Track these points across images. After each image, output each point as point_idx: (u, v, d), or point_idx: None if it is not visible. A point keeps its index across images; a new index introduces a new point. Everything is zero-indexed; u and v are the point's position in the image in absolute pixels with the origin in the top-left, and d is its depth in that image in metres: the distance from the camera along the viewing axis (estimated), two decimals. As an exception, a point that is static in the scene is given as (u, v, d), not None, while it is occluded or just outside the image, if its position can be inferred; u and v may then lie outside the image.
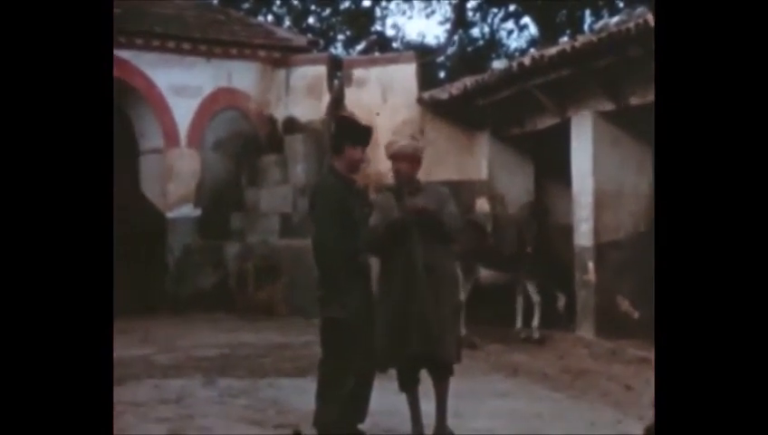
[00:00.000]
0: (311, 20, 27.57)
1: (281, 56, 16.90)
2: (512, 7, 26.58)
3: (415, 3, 27.75)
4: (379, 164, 14.75)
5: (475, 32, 27.46)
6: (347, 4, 27.76)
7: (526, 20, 26.84)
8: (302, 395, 7.88)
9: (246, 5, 25.48)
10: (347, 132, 6.59)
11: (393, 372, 6.92)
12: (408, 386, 6.91)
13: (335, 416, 6.38)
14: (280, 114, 16.68)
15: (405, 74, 15.86)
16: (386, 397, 7.16)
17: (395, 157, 6.88)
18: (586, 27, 23.29)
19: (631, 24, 9.93)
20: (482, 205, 14.78)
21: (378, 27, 27.94)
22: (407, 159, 6.85)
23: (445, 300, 6.83)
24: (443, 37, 27.10)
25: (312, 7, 27.70)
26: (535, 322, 12.41)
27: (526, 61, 12.39)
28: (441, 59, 25.95)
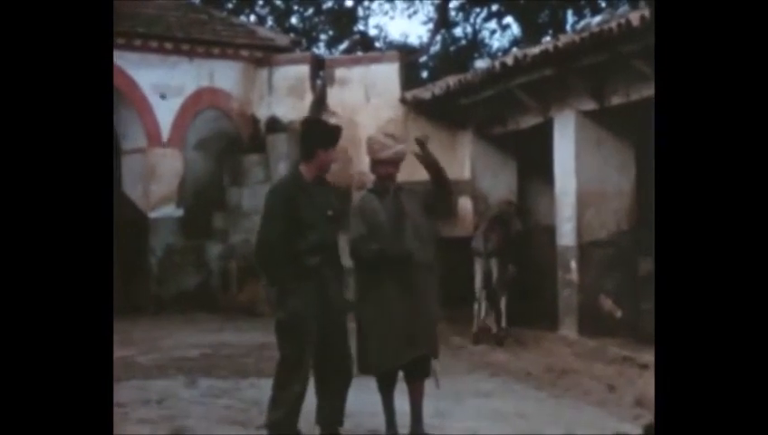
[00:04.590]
0: (293, 20, 27.53)
1: (263, 56, 16.87)
2: (494, 7, 26.59)
3: (397, 3, 27.77)
4: (361, 164, 14.80)
5: (458, 31, 27.49)
6: (329, 4, 27.74)
7: (509, 20, 26.87)
8: (284, 395, 7.85)
9: (229, 5, 25.43)
10: (318, 135, 6.54)
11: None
12: (388, 387, 6.88)
13: (280, 420, 6.33)
14: (262, 114, 16.65)
15: (388, 74, 15.88)
16: (369, 397, 7.14)
17: (379, 161, 6.85)
18: (568, 27, 23.33)
19: (613, 24, 9.94)
20: (464, 204, 14.80)
21: (360, 27, 27.95)
22: (391, 163, 6.83)
23: (434, 297, 6.88)
24: (426, 37, 27.10)
25: (295, 7, 27.66)
26: (504, 322, 12.42)
27: (509, 60, 12.39)
28: (424, 58, 25.95)
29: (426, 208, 6.83)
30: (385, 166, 6.80)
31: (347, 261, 6.80)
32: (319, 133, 6.56)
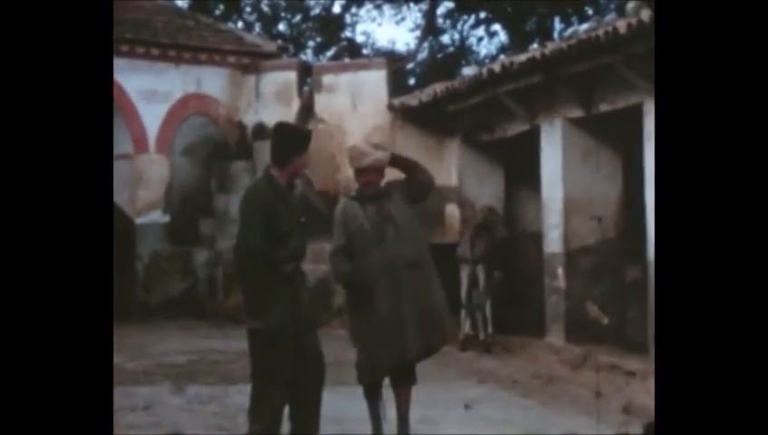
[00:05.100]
0: (281, 26, 27.55)
1: (250, 62, 16.86)
2: (482, 14, 26.65)
3: (385, 9, 27.81)
4: (348, 171, 14.80)
5: (446, 38, 27.56)
6: (317, 11, 27.75)
7: (496, 27, 26.95)
8: (271, 402, 7.83)
9: (217, 12, 25.41)
10: (292, 142, 6.46)
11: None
12: (374, 394, 6.88)
13: (263, 429, 6.27)
14: (249, 120, 16.63)
15: (375, 81, 15.86)
16: (356, 404, 7.14)
17: (361, 169, 6.87)
18: (556, 34, 23.38)
19: (600, 32, 9.96)
20: (452, 211, 14.80)
21: (348, 34, 27.97)
22: (372, 171, 6.84)
23: (430, 293, 6.84)
24: (413, 44, 27.17)
25: (282, 14, 27.66)
26: (490, 328, 12.47)
27: (496, 67, 12.41)
28: (411, 65, 26.00)
29: (410, 198, 6.85)
30: (367, 174, 6.83)
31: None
32: (293, 139, 6.50)
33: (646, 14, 9.05)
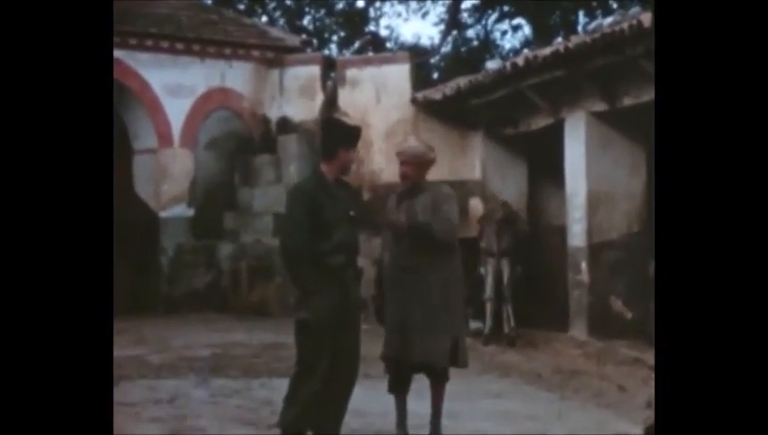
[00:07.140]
0: (305, 21, 27.58)
1: (274, 56, 16.89)
2: (506, 8, 26.60)
3: (410, 3, 27.79)
4: (372, 164, 14.84)
5: (470, 32, 27.50)
6: (341, 5, 27.77)
7: (520, 21, 26.88)
8: (295, 395, 7.85)
9: (241, 6, 25.47)
10: (339, 135, 6.53)
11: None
12: (398, 389, 6.90)
13: (294, 418, 6.29)
14: (273, 114, 16.67)
15: (398, 74, 15.86)
16: (379, 398, 7.15)
17: (401, 159, 6.93)
18: (580, 28, 23.31)
19: (625, 25, 9.93)
20: (475, 205, 14.79)
21: (372, 28, 27.96)
22: (412, 163, 6.87)
23: (446, 308, 6.83)
24: (437, 38, 27.14)
25: (307, 8, 27.70)
26: (512, 321, 12.47)
27: (520, 61, 12.39)
28: (435, 59, 25.97)
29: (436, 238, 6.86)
30: (403, 165, 6.89)
31: None
32: (341, 133, 6.56)
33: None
